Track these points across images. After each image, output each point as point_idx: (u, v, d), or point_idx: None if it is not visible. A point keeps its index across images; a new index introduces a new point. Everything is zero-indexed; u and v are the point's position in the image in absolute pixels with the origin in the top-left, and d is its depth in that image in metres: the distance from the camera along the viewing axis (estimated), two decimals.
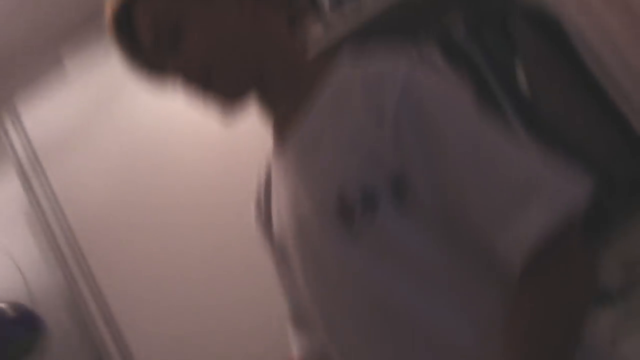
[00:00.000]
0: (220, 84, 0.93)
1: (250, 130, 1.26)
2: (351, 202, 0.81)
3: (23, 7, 2.18)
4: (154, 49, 0.94)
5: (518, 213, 0.71)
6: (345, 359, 0.90)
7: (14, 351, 1.98)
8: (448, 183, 0.77)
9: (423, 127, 0.78)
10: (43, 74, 2.30)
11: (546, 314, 0.72)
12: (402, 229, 0.80)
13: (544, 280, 0.72)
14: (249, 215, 1.10)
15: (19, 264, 2.89)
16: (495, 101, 2.16)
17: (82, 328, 2.31)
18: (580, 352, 0.71)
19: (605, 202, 1.95)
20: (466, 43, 2.22)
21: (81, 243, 2.08)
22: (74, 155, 2.14)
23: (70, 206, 2.11)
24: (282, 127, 0.96)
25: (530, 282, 0.72)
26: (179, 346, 1.93)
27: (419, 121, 0.78)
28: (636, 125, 1.99)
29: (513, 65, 2.22)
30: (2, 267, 2.84)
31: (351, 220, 0.81)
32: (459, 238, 0.79)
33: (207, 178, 1.89)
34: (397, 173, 0.79)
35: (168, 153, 1.98)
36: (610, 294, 1.72)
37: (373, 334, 0.85)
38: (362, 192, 0.80)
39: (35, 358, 2.00)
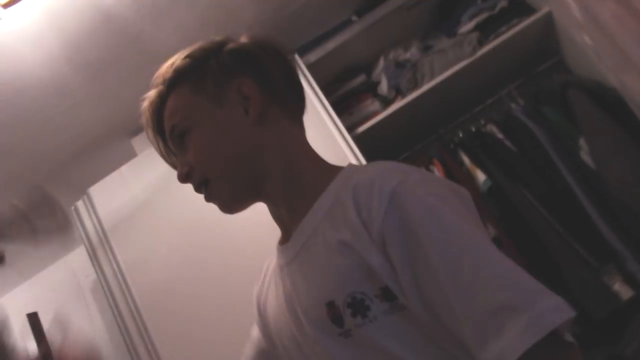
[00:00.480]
0: (216, 194, 1.01)
1: None
2: (340, 308, 0.85)
3: (103, 104, 2.32)
4: (169, 137, 1.04)
5: (494, 335, 0.72)
6: None
7: None
8: (431, 298, 0.79)
9: (407, 242, 0.79)
10: (115, 161, 2.43)
11: None
12: (391, 329, 0.83)
13: None
14: None
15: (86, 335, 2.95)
16: (555, 171, 2.13)
17: None
18: None
19: None
20: (527, 118, 2.22)
21: (145, 317, 2.11)
22: (140, 233, 2.21)
23: (135, 281, 2.16)
24: (285, 225, 1.03)
25: None
26: None
27: (403, 236, 0.80)
28: None
29: (575, 138, 2.20)
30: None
31: (341, 322, 0.85)
32: (442, 345, 0.82)
33: (261, 252, 1.91)
34: (387, 280, 0.82)
35: (225, 229, 2.01)
36: None
37: None
38: (351, 298, 0.84)
39: None
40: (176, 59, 1.04)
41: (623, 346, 2.02)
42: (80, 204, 2.30)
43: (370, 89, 2.58)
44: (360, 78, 2.59)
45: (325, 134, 2.17)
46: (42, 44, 1.92)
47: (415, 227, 0.79)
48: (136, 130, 2.54)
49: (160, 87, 1.04)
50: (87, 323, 2.96)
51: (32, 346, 2.35)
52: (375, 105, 2.49)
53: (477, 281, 0.75)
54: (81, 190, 2.35)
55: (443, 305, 0.77)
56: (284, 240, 1.03)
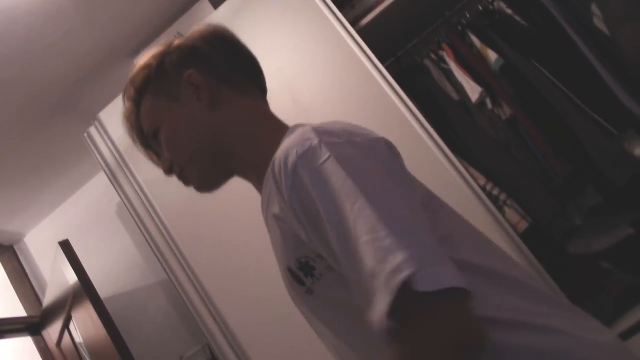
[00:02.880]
0: (191, 179, 1.14)
1: None
2: (296, 272, 0.96)
3: (100, 26, 2.27)
4: (150, 142, 1.17)
5: (371, 299, 0.77)
6: None
7: None
8: (335, 265, 0.87)
9: (308, 214, 0.86)
10: (120, 83, 2.40)
11: None
12: (338, 282, 0.90)
13: (397, 344, 0.76)
14: None
15: (118, 259, 3.04)
16: (569, 41, 2.08)
17: (185, 315, 2.42)
18: None
19: None
20: None
21: (171, 230, 2.15)
22: None
23: (158, 199, 2.19)
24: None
25: (390, 345, 0.77)
26: (277, 323, 1.98)
27: (305, 209, 0.86)
28: None
29: (587, 5, 2.12)
30: (104, 264, 3.00)
31: (302, 282, 0.96)
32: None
33: None
34: (313, 247, 0.90)
35: None
36: None
37: None
38: (299, 263, 0.94)
39: None
40: (135, 74, 1.14)
41: None
42: (92, 130, 2.30)
43: None
44: None
45: (329, 30, 2.11)
46: None
47: (310, 199, 0.85)
48: (136, 49, 2.50)
49: (128, 105, 1.16)
50: (118, 245, 3.04)
51: (68, 271, 2.44)
52: None
53: (355, 250, 0.79)
54: (91, 116, 2.35)
55: (345, 272, 0.85)
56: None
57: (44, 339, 2.97)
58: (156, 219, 2.18)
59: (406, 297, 0.72)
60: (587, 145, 1.99)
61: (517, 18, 2.19)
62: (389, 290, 0.73)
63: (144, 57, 1.15)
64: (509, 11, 2.21)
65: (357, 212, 0.80)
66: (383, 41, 2.26)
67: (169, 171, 1.14)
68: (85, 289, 2.36)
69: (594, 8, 2.07)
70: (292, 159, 0.88)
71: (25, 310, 3.09)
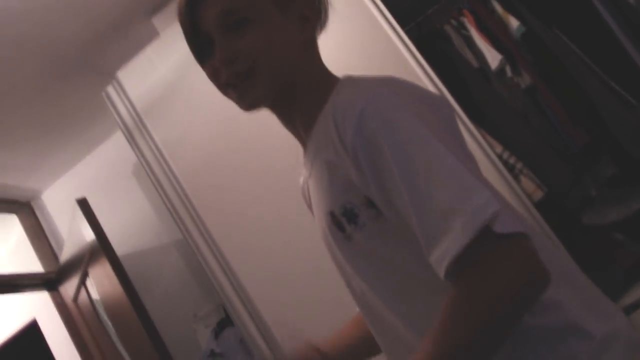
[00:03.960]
0: (254, 86, 1.01)
1: None
2: (338, 217, 0.95)
3: None
4: (215, 23, 1.00)
5: (438, 239, 0.77)
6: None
7: None
8: (396, 207, 0.86)
9: (373, 156, 0.86)
10: (139, 42, 2.40)
11: (456, 311, 0.78)
12: (380, 233, 0.92)
13: (464, 283, 0.78)
14: None
15: (134, 217, 3.08)
16: (592, 10, 2.05)
17: (200, 274, 2.45)
18: None
19: None
20: None
21: (188, 192, 2.17)
22: (173, 112, 2.23)
23: (175, 159, 2.21)
24: (302, 140, 1.09)
25: (453, 286, 0.79)
26: (291, 284, 2.01)
27: (369, 151, 0.86)
28: None
29: None
30: (120, 222, 3.03)
31: (343, 228, 0.95)
32: (415, 249, 0.86)
33: None
34: (365, 192, 0.90)
35: None
36: None
37: (368, 320, 1.06)
38: (343, 208, 0.94)
39: None
40: None
41: None
42: (110, 89, 2.31)
43: None
44: None
45: None
46: None
47: (377, 141, 0.84)
48: (155, 9, 2.49)
49: None
50: (134, 203, 3.07)
51: (85, 228, 2.47)
52: None
53: (426, 188, 0.80)
54: (109, 74, 2.35)
55: (405, 213, 0.84)
56: (305, 151, 1.10)
57: (60, 295, 3.03)
58: (172, 179, 2.20)
59: (484, 237, 0.74)
60: (606, 115, 1.98)
61: None
62: (469, 228, 0.74)
63: None
64: None
65: (430, 154, 0.82)
66: (403, 6, 2.23)
67: (226, 62, 0.99)
68: (102, 247, 2.40)
69: None
70: (360, 104, 0.88)
71: (42, 266, 3.15)
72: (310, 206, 1.24)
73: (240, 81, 1.01)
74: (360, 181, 0.89)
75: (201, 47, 1.04)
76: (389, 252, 0.93)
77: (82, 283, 2.74)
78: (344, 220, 0.94)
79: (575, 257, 1.81)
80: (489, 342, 0.78)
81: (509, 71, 2.13)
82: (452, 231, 0.76)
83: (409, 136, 0.84)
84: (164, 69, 2.26)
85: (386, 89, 0.92)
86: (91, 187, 3.10)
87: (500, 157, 2.01)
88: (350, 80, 1.02)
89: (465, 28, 2.26)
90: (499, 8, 2.19)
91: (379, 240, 0.93)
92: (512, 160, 2.04)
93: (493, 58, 2.13)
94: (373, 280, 0.98)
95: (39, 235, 3.22)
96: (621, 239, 2.09)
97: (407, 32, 2.09)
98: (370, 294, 0.99)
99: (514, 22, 2.13)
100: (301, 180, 1.25)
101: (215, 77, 1.04)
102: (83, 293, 2.78)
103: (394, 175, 0.83)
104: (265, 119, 1.96)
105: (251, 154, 2.12)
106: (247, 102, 1.04)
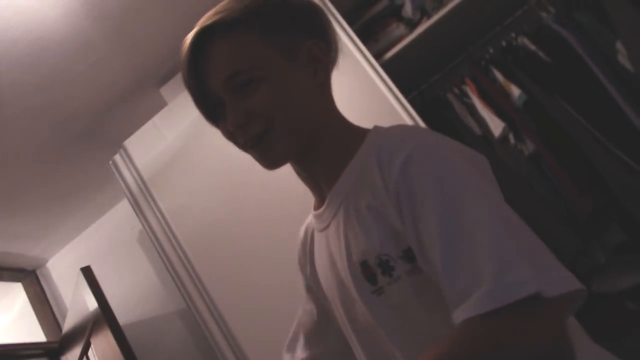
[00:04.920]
0: (275, 144, 0.97)
1: None
2: (373, 267, 0.91)
3: (128, 56, 2.32)
4: (222, 88, 0.96)
5: (464, 299, 0.73)
6: None
7: None
8: (428, 255, 0.82)
9: (414, 200, 0.83)
10: (147, 112, 2.45)
11: (468, 342, 0.71)
12: (414, 289, 0.89)
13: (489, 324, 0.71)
14: None
15: (138, 286, 3.05)
16: (593, 78, 2.07)
17: (203, 345, 2.42)
18: None
19: None
20: (559, 26, 2.14)
21: (192, 260, 2.16)
22: (179, 181, 2.24)
23: (180, 227, 2.21)
24: (320, 189, 1.05)
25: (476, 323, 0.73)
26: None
27: (410, 198, 0.83)
28: None
29: (612, 42, 2.12)
30: (124, 291, 3.01)
31: (375, 280, 0.92)
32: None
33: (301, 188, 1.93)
34: (408, 242, 0.87)
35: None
36: None
37: None
38: (379, 259, 0.90)
39: None
40: (244, 3, 0.97)
41: None
42: (117, 157, 2.34)
43: (395, 12, 2.51)
44: (383, 2, 2.52)
45: (353, 64, 2.13)
46: (60, 0, 1.91)
47: (423, 187, 0.82)
48: (163, 79, 2.55)
49: (215, 23, 0.96)
50: (138, 272, 3.06)
51: (89, 297, 2.45)
52: (400, 29, 2.44)
53: (466, 246, 0.76)
54: (117, 144, 2.39)
55: (435, 262, 0.79)
56: (318, 205, 1.07)
57: None
58: (177, 248, 2.19)
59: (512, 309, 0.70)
60: (611, 182, 1.97)
61: (541, 54, 2.19)
62: (496, 298, 0.70)
63: None
64: (533, 47, 2.21)
65: (475, 207, 0.79)
66: (406, 75, 2.28)
67: (241, 126, 0.96)
68: (105, 316, 2.37)
69: (619, 45, 2.07)
70: (407, 148, 0.85)
71: (45, 335, 3.11)
72: (305, 264, 1.21)
73: (259, 141, 0.97)
74: (401, 224, 0.85)
75: (212, 108, 1.01)
76: (419, 311, 0.89)
77: (84, 354, 2.69)
78: (379, 272, 0.90)
79: (585, 326, 1.77)
80: None
81: (512, 138, 2.14)
82: (475, 297, 0.71)
83: (455, 186, 0.81)
84: (170, 138, 2.29)
85: (433, 138, 0.90)
86: (96, 255, 3.09)
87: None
88: (389, 127, 0.99)
89: (467, 96, 2.29)
90: (500, 76, 2.22)
91: (411, 295, 0.89)
92: None
93: (496, 126, 2.14)
94: (399, 335, 0.94)
95: (43, 303, 3.19)
96: (633, 307, 2.05)
97: (410, 101, 2.11)
98: (393, 350, 0.95)
99: (515, 90, 2.15)
100: (301, 232, 1.22)
101: (232, 139, 1.01)
102: None
103: (430, 222, 0.80)
104: (268, 188, 1.97)
105: (254, 223, 2.11)
106: (269, 162, 1.00)
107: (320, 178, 1.04)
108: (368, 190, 0.91)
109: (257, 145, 0.98)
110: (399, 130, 0.96)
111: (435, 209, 0.80)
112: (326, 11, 2.13)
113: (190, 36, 0.97)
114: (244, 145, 1.01)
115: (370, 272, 0.91)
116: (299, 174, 1.08)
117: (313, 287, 1.20)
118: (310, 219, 1.17)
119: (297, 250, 1.25)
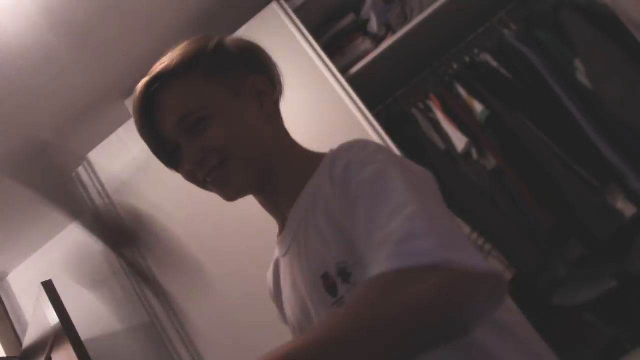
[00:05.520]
0: (231, 177, 1.02)
1: None
2: (333, 277, 0.93)
3: (91, 68, 2.30)
4: (176, 132, 1.01)
5: (374, 258, 0.76)
6: None
7: None
8: (355, 233, 0.85)
9: (350, 196, 0.87)
10: (111, 124, 2.43)
11: (368, 298, 0.71)
12: None
13: (387, 277, 0.72)
14: None
15: (101, 300, 3.01)
16: (553, 95, 2.12)
17: (164, 353, 2.40)
18: None
19: None
20: (520, 44, 2.19)
21: (158, 274, 2.15)
22: (143, 193, 2.22)
23: None
24: (282, 215, 1.08)
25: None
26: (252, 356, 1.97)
27: (348, 193, 0.88)
28: None
29: (571, 60, 2.18)
30: (86, 305, 2.96)
31: (335, 291, 0.93)
32: None
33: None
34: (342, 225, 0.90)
35: None
36: None
37: None
38: (338, 268, 0.92)
39: None
40: (184, 52, 1.03)
41: (629, 263, 2.05)
42: (81, 170, 2.31)
43: (361, 27, 2.53)
44: (349, 17, 2.54)
45: (318, 78, 2.15)
46: (21, 12, 1.88)
47: (357, 181, 0.87)
48: (128, 92, 2.52)
49: (158, 76, 1.02)
50: (102, 287, 3.01)
51: (50, 311, 2.41)
52: (366, 44, 2.46)
53: (384, 219, 0.79)
54: (80, 156, 2.36)
55: (360, 240, 0.83)
56: (280, 231, 1.10)
57: None
58: (141, 261, 2.17)
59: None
60: (571, 198, 2.01)
61: (503, 70, 2.23)
62: (400, 260, 0.72)
63: (191, 43, 1.05)
64: (495, 64, 2.25)
65: (400, 192, 0.82)
66: (372, 89, 2.30)
67: (198, 163, 1.01)
68: (66, 331, 2.33)
69: (577, 63, 2.12)
70: (348, 156, 0.92)
71: (4, 350, 3.04)
72: (276, 295, 1.22)
73: (216, 174, 1.02)
74: (341, 213, 0.89)
75: (171, 154, 1.05)
76: None
77: None
78: (339, 281, 0.92)
79: (546, 338, 1.80)
80: (383, 339, 0.67)
81: (475, 154, 2.17)
82: (381, 257, 0.74)
83: (387, 177, 0.85)
84: (135, 151, 2.28)
85: (377, 145, 0.95)
86: (59, 269, 3.04)
87: (468, 238, 2.03)
88: (334, 150, 1.02)
89: (431, 111, 2.32)
90: (463, 92, 2.26)
91: None
92: (480, 242, 2.05)
93: (459, 141, 2.17)
94: None
95: (3, 318, 3.12)
96: (592, 319, 2.09)
97: (375, 115, 2.13)
98: None
99: (478, 106, 2.19)
100: (271, 267, 1.24)
101: (192, 178, 1.05)
102: None
103: (360, 210, 0.84)
104: (233, 204, 1.96)
105: (218, 237, 2.11)
106: (230, 192, 1.05)
107: (281, 206, 1.08)
108: (324, 204, 0.95)
109: (215, 179, 1.03)
110: (347, 142, 0.99)
111: (365, 198, 0.84)
112: (292, 26, 2.16)
113: (138, 88, 1.04)
114: (203, 182, 1.05)
115: (331, 283, 0.93)
116: (262, 204, 1.12)
117: (286, 320, 1.21)
118: (276, 251, 1.19)
119: (269, 289, 1.27)
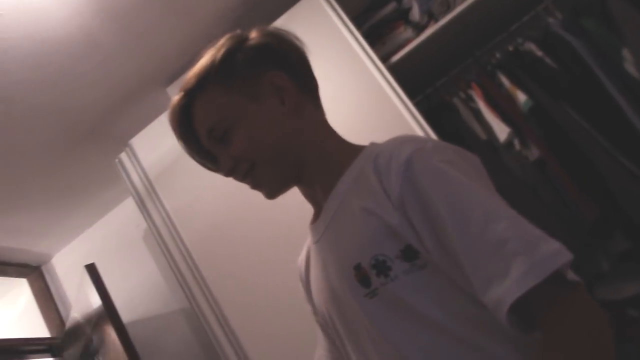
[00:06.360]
0: (263, 179, 1.08)
1: None
2: (366, 269, 0.93)
3: (134, 55, 2.33)
4: (208, 144, 1.09)
5: (498, 279, 0.78)
6: None
7: None
8: (448, 251, 0.86)
9: (422, 203, 0.87)
10: (153, 111, 2.46)
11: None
12: (413, 287, 0.91)
13: (551, 334, 0.78)
14: None
15: (142, 284, 3.06)
16: (599, 85, 2.07)
17: (206, 344, 2.43)
18: None
19: None
20: (566, 33, 2.14)
21: (196, 259, 2.17)
22: (184, 180, 2.25)
23: (184, 226, 2.22)
24: (319, 203, 1.11)
25: (547, 340, 0.78)
26: (289, 345, 1.98)
27: (419, 198, 0.88)
28: None
29: (619, 49, 2.12)
30: (127, 288, 3.02)
31: (368, 282, 0.93)
32: (462, 295, 0.89)
33: None
34: (408, 241, 0.90)
35: None
36: None
37: None
38: (375, 260, 0.92)
39: None
40: (200, 66, 1.08)
41: None
42: (123, 156, 2.35)
43: (402, 16, 2.51)
44: (391, 6, 2.52)
45: (359, 66, 2.14)
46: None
47: (428, 189, 0.87)
48: (170, 79, 2.56)
49: (182, 95, 1.09)
50: (142, 270, 3.07)
51: (93, 294, 2.46)
52: (408, 32, 2.44)
53: (484, 232, 0.81)
54: (123, 142, 2.40)
55: (458, 256, 0.84)
56: (315, 219, 1.12)
57: None
58: (181, 246, 2.20)
59: (552, 282, 0.76)
60: (615, 189, 1.97)
61: (547, 60, 2.19)
62: (536, 272, 0.75)
63: (210, 51, 1.10)
64: (539, 53, 2.21)
65: (478, 200, 0.84)
66: (412, 78, 2.28)
67: (231, 171, 1.08)
68: (108, 313, 2.38)
69: (625, 52, 2.07)
70: (405, 153, 0.90)
71: (48, 331, 3.12)
72: (306, 281, 1.23)
73: (250, 178, 1.09)
74: (402, 227, 0.90)
75: (214, 159, 1.13)
76: (422, 307, 0.91)
77: (87, 350, 2.70)
78: (373, 273, 0.92)
79: None
80: None
81: (517, 144, 2.14)
82: (514, 273, 0.76)
83: (459, 185, 0.86)
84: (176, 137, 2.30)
85: (430, 143, 0.95)
86: (101, 252, 3.11)
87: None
88: (373, 146, 1.05)
89: (473, 101, 2.29)
90: (506, 82, 2.22)
91: (411, 292, 0.91)
92: None
93: (501, 131, 2.14)
94: (400, 338, 0.94)
95: (47, 299, 3.20)
96: (636, 315, 2.04)
97: (416, 104, 2.12)
98: (390, 351, 0.95)
99: (521, 96, 2.15)
100: (303, 252, 1.25)
101: (236, 180, 1.12)
102: None
103: (443, 221, 0.85)
104: None
105: (258, 223, 2.12)
106: (266, 195, 1.11)
107: (318, 194, 1.10)
108: (364, 194, 0.95)
109: (250, 183, 1.10)
110: (396, 138, 1.00)
111: (444, 209, 0.85)
112: (334, 15, 2.15)
113: (170, 105, 1.11)
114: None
115: (364, 275, 0.94)
116: (302, 193, 1.15)
117: (316, 310, 1.22)
118: (308, 239, 1.20)
119: (300, 274, 1.29)
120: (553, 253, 0.77)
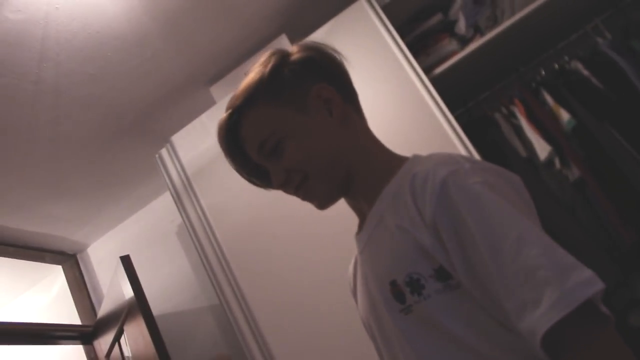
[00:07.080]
0: (315, 191, 1.09)
1: None
2: (400, 286, 0.95)
3: (181, 53, 2.38)
4: (259, 158, 1.10)
5: (531, 308, 0.78)
6: None
7: None
8: (480, 276, 0.86)
9: (456, 226, 0.87)
10: (195, 109, 2.49)
11: None
12: (445, 307, 0.91)
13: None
14: None
15: (174, 278, 3.10)
16: None
17: (233, 342, 2.44)
18: None
19: None
20: (615, 53, 2.11)
21: (228, 257, 2.19)
22: (221, 178, 2.28)
23: (219, 224, 2.24)
24: (364, 215, 1.11)
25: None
26: (314, 346, 2.00)
27: (452, 221, 0.87)
28: None
29: None
30: (159, 282, 3.06)
31: (403, 299, 0.95)
32: (493, 318, 0.88)
33: None
34: (441, 262, 0.90)
35: None
36: None
37: None
38: (409, 277, 0.93)
39: None
40: (247, 83, 1.10)
41: None
42: (164, 152, 2.39)
43: (448, 28, 2.51)
44: (437, 17, 2.52)
45: (402, 76, 2.14)
46: None
47: (461, 212, 0.86)
48: (214, 78, 2.59)
49: (230, 113, 1.10)
50: (174, 265, 3.11)
51: (126, 285, 2.51)
52: (452, 44, 2.43)
53: (517, 258, 0.80)
54: (164, 138, 2.44)
55: (489, 282, 0.84)
56: (359, 230, 1.13)
57: (94, 349, 3.04)
58: (214, 244, 2.23)
59: (583, 311, 0.75)
60: None
61: (594, 80, 2.16)
62: (566, 302, 0.75)
63: (255, 68, 1.11)
64: (586, 72, 2.18)
65: (518, 228, 0.83)
66: (454, 91, 2.27)
67: (283, 184, 1.09)
68: (139, 305, 2.42)
69: None
70: (440, 175, 0.90)
71: (80, 319, 3.18)
72: (354, 290, 1.24)
73: (302, 190, 1.10)
74: (435, 249, 0.90)
75: (264, 175, 1.15)
76: (453, 327, 0.91)
77: (117, 340, 2.75)
78: (407, 291, 0.94)
79: None
80: None
81: (557, 163, 2.11)
82: (546, 302, 0.76)
83: (494, 209, 0.86)
84: (216, 137, 2.33)
85: (468, 164, 0.94)
86: (135, 245, 3.16)
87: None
88: (416, 158, 1.06)
89: (515, 117, 2.27)
90: (550, 100, 2.20)
91: (442, 312, 0.91)
92: None
93: (542, 149, 2.12)
94: (430, 355, 0.95)
95: (81, 287, 3.27)
96: None
97: (456, 117, 2.11)
98: None
99: (564, 115, 2.13)
100: (352, 261, 1.26)
101: (286, 192, 1.13)
102: (116, 350, 2.78)
103: (477, 246, 0.84)
104: None
105: (290, 224, 2.13)
106: (317, 206, 1.12)
107: (362, 205, 1.11)
108: (400, 212, 0.96)
109: (302, 194, 1.11)
110: (433, 157, 1.00)
111: (478, 232, 0.84)
112: (379, 23, 2.16)
113: (218, 124, 1.13)
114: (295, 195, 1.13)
115: (398, 291, 0.95)
116: (348, 203, 1.16)
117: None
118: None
119: (349, 282, 1.29)
120: (584, 282, 0.76)
